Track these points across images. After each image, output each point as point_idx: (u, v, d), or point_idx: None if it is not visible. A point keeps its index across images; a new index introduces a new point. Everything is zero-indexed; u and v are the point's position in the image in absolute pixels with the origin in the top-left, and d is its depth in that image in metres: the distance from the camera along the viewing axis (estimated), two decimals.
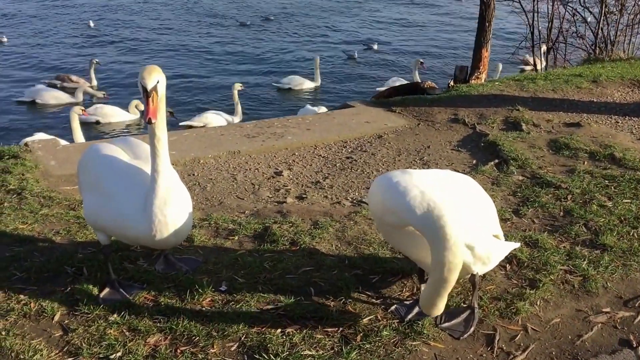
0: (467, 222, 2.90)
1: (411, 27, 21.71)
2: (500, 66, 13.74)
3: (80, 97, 13.09)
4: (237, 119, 11.35)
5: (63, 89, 13.63)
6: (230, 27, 20.91)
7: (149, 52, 17.60)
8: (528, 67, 12.05)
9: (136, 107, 12.30)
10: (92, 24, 19.97)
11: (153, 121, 2.86)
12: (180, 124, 10.89)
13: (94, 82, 14.01)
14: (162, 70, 2.95)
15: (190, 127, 9.95)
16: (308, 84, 14.41)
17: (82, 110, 10.02)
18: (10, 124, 12.02)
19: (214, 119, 11.15)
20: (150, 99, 2.84)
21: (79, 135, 9.38)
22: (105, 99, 13.09)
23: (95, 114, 11.76)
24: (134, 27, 20.56)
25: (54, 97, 12.96)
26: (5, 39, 17.79)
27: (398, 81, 13.00)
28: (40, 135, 9.16)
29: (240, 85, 11.86)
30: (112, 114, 11.85)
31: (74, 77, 14.00)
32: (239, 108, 11.63)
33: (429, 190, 2.77)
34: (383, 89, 11.15)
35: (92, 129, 11.46)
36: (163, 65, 15.70)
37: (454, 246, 2.63)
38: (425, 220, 2.70)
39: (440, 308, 2.80)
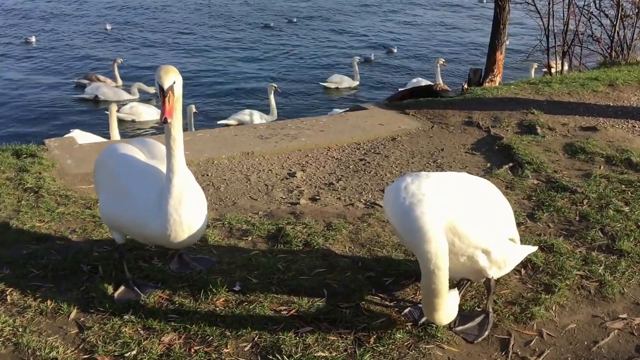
0: (482, 227, 2.88)
1: (427, 30, 21.74)
2: (535, 66, 13.53)
3: (136, 93, 13.55)
4: (272, 118, 11.53)
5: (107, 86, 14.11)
6: (254, 29, 21.16)
7: (172, 53, 17.87)
8: (551, 70, 11.97)
9: (138, 89, 12.98)
10: (108, 27, 20.17)
11: (169, 120, 2.88)
12: (218, 122, 11.19)
13: (119, 82, 14.24)
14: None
15: (228, 125, 10.14)
16: (350, 83, 14.86)
17: (117, 109, 10.35)
18: (58, 120, 12.48)
19: (250, 117, 11.40)
20: (167, 98, 2.86)
21: (115, 132, 9.63)
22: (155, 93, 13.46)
23: (131, 113, 12.07)
24: (154, 29, 20.85)
25: (115, 94, 13.41)
26: (33, 40, 18.19)
27: (421, 82, 13.14)
28: (76, 132, 9.45)
29: (275, 85, 12.07)
30: (145, 112, 12.20)
31: (101, 77, 14.34)
32: (273, 107, 11.83)
33: (424, 211, 2.72)
34: (405, 89, 11.26)
35: (128, 126, 11.82)
36: (191, 66, 15.80)
37: (433, 274, 2.67)
38: (413, 244, 2.75)
39: (442, 317, 2.80)
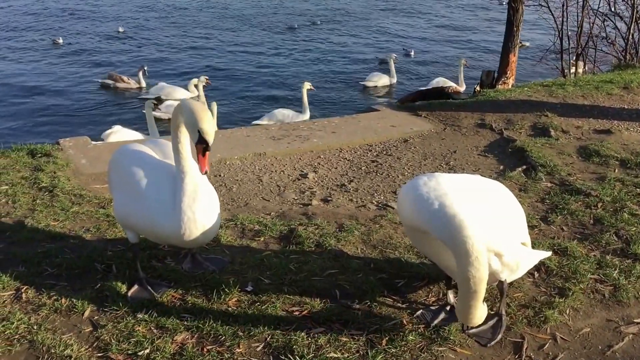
0: (495, 229, 2.87)
1: (443, 31, 21.88)
2: (582, 66, 13.39)
3: (194, 90, 13.93)
4: (305, 116, 11.64)
5: (116, 88, 14.42)
6: (277, 30, 21.43)
7: (195, 54, 18.09)
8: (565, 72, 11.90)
9: (195, 86, 13.45)
10: (121, 29, 20.35)
11: (207, 172, 2.93)
12: (253, 123, 11.31)
13: (143, 84, 14.50)
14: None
15: (259, 125, 10.30)
16: (388, 80, 15.22)
17: (155, 104, 10.58)
18: (93, 118, 12.83)
19: (284, 116, 11.51)
20: (208, 152, 2.88)
21: (154, 129, 9.96)
22: (209, 84, 13.92)
23: (167, 112, 12.39)
24: (177, 30, 21.07)
25: (181, 93, 13.83)
26: (61, 41, 18.56)
27: (444, 82, 13.46)
28: (117, 128, 9.77)
29: (309, 84, 12.12)
30: None
31: (125, 78, 14.63)
32: (306, 106, 11.89)
33: (453, 201, 2.74)
34: (424, 89, 11.38)
35: (165, 124, 12.04)
36: (218, 67, 16.23)
37: (476, 261, 2.61)
38: (447, 235, 2.70)
39: (478, 317, 2.76)
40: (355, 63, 17.55)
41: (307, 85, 11.81)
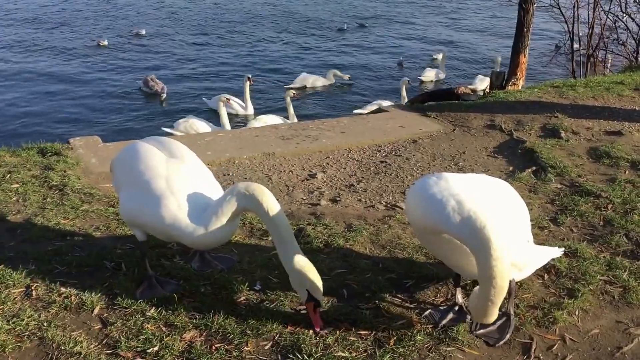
0: (503, 227, 2.86)
1: (478, 33, 22.15)
2: (406, 82, 13.82)
3: (332, 78, 15.09)
4: None
5: (150, 88, 14.70)
6: (327, 31, 21.84)
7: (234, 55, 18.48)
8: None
9: (333, 75, 14.96)
10: (143, 32, 20.41)
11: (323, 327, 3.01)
12: (354, 111, 11.91)
13: (164, 91, 14.70)
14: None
15: (361, 114, 10.52)
16: (440, 75, 16.36)
17: (227, 99, 10.80)
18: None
19: (382, 107, 11.92)
20: (319, 308, 2.99)
21: (226, 122, 10.30)
22: (349, 80, 15.34)
23: (235, 109, 12.73)
24: (232, 27, 21.44)
25: (320, 81, 14.67)
26: (106, 42, 18.69)
27: (484, 80, 13.78)
28: (191, 118, 10.20)
29: (408, 80, 13.29)
30: (241, 109, 12.95)
31: (155, 81, 14.80)
32: (404, 98, 12.79)
33: (467, 199, 2.74)
34: (471, 87, 11.79)
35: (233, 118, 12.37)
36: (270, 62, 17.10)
37: (502, 255, 2.60)
38: (468, 232, 2.68)
39: (495, 315, 2.76)
40: (409, 60, 18.37)
41: (406, 82, 13.12)
